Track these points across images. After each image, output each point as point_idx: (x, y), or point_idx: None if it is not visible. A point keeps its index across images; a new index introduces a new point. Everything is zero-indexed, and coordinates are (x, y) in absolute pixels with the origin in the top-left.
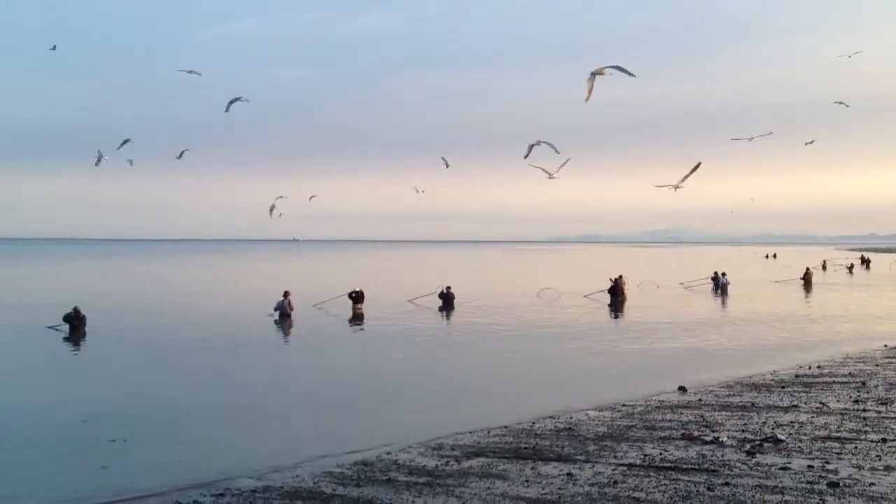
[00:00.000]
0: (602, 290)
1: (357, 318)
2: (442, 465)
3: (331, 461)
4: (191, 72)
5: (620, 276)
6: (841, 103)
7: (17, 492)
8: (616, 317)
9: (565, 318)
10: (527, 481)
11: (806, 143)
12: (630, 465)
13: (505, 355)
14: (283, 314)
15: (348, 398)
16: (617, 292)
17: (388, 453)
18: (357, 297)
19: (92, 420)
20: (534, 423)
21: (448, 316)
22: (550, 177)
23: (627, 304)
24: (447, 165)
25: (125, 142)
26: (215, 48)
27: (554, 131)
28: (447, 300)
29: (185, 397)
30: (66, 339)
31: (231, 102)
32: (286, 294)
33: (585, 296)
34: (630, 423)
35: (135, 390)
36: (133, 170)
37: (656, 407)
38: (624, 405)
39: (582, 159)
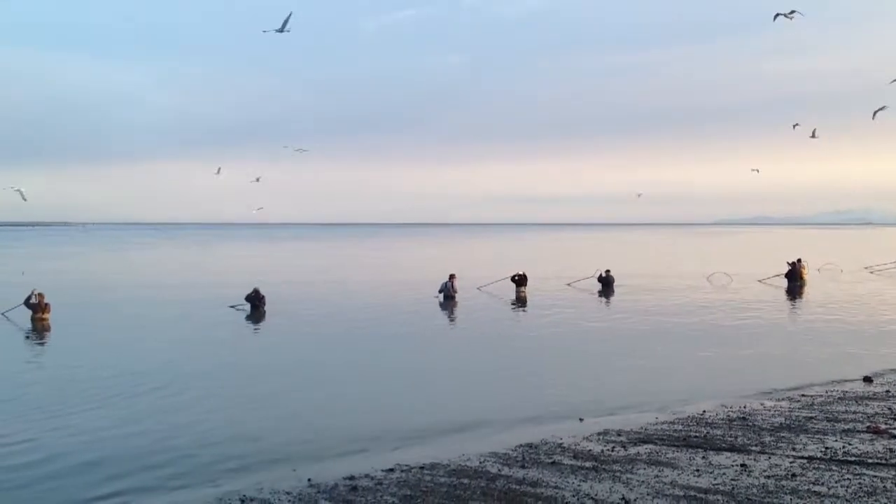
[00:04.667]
0: (779, 275)
1: (520, 302)
2: (608, 450)
3: (496, 442)
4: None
5: (799, 260)
6: None
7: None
8: (794, 302)
9: (737, 302)
10: (697, 471)
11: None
12: (810, 458)
13: (670, 340)
14: (448, 296)
15: (511, 381)
16: (795, 277)
17: (553, 436)
18: (520, 280)
19: (272, 395)
20: (704, 411)
21: (608, 300)
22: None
23: (807, 289)
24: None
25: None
26: (379, 37)
27: (711, 110)
28: (606, 284)
29: (354, 376)
30: (247, 317)
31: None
32: (451, 277)
33: (760, 280)
34: (810, 415)
35: (308, 368)
36: (304, 157)
37: (839, 398)
38: (802, 395)
39: (742, 138)
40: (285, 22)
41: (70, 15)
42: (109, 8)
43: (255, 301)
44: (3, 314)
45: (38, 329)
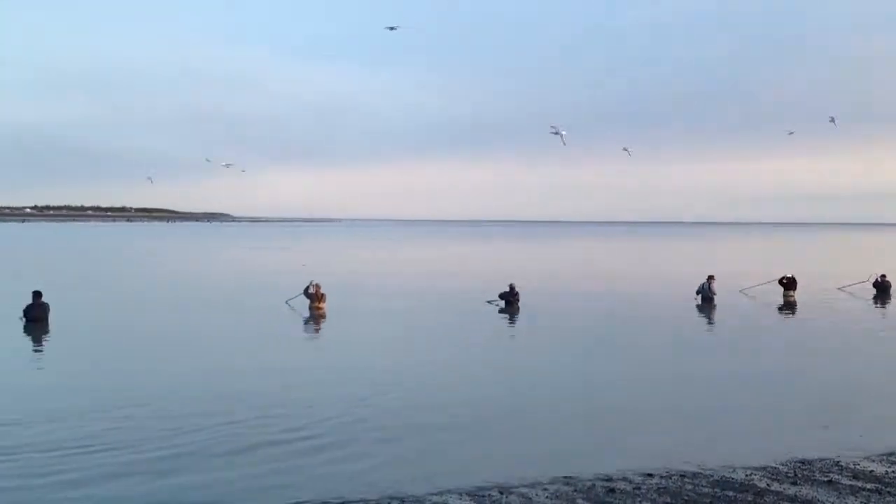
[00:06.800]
0: None
1: (788, 307)
2: (893, 472)
3: (763, 455)
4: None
5: None
6: None
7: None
8: None
9: None
10: None
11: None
12: None
13: None
14: (706, 298)
15: (778, 391)
16: None
17: (829, 453)
18: (788, 284)
19: (531, 395)
20: None
21: (885, 308)
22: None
23: None
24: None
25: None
26: (639, 31)
27: None
28: (883, 290)
29: (612, 378)
30: (500, 312)
31: None
32: (710, 278)
33: None
34: None
35: (564, 368)
36: (579, 153)
37: None
38: None
39: None
40: None
41: (331, 28)
42: (356, 17)
43: (510, 297)
44: (286, 302)
45: (315, 317)
